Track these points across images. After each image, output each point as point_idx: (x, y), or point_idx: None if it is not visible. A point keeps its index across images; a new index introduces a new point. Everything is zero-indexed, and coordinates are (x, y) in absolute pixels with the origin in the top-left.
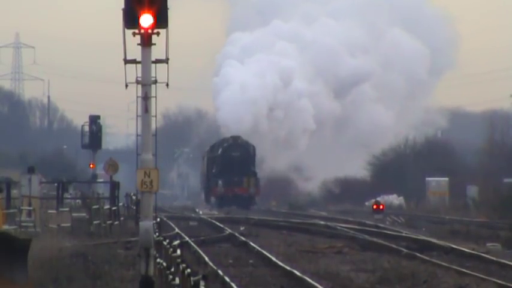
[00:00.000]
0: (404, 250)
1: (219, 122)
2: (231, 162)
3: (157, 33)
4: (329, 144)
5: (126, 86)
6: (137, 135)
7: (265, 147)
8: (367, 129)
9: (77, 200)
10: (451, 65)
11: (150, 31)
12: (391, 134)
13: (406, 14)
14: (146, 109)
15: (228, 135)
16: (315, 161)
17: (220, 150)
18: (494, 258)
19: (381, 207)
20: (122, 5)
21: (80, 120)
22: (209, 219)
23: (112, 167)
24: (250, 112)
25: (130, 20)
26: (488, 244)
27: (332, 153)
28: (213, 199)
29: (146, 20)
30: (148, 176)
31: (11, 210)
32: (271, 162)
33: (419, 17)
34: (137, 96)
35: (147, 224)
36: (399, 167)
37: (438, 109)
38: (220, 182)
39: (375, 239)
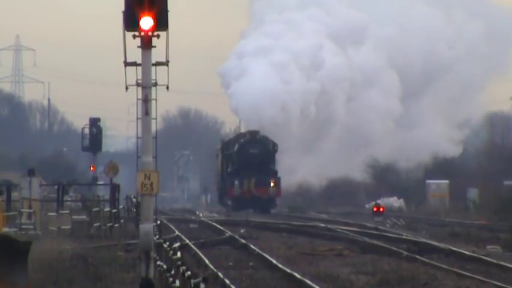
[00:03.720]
0: (405, 252)
1: (236, 113)
2: (248, 160)
3: (158, 36)
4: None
5: (127, 88)
6: (137, 137)
7: (289, 146)
8: (418, 148)
9: (77, 203)
10: (503, 70)
11: (150, 33)
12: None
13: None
14: (146, 112)
15: (245, 130)
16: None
17: (236, 147)
18: (495, 261)
19: (381, 209)
20: (122, 8)
21: (80, 122)
22: (209, 221)
23: (112, 169)
24: (276, 101)
25: (131, 22)
26: (489, 246)
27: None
28: (228, 201)
29: (146, 22)
30: (149, 179)
31: (11, 213)
32: (295, 165)
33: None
34: (137, 99)
35: (147, 227)
36: (399, 169)
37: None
38: (236, 182)
39: (375, 242)
